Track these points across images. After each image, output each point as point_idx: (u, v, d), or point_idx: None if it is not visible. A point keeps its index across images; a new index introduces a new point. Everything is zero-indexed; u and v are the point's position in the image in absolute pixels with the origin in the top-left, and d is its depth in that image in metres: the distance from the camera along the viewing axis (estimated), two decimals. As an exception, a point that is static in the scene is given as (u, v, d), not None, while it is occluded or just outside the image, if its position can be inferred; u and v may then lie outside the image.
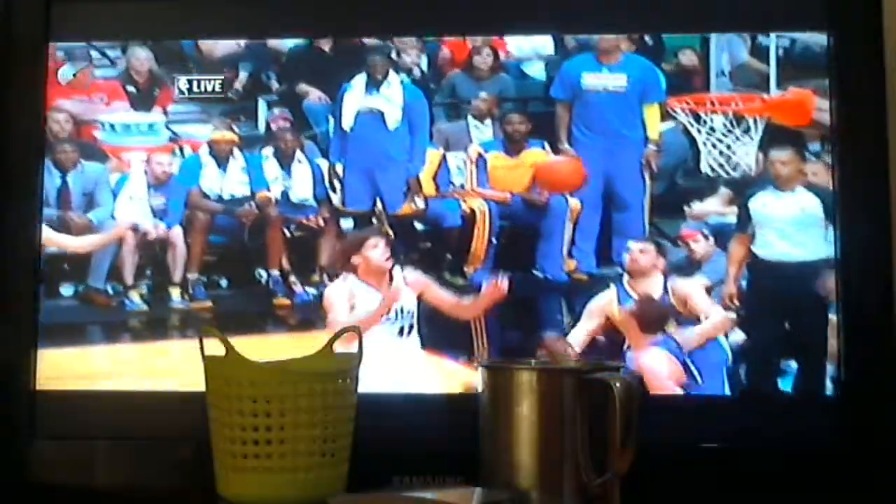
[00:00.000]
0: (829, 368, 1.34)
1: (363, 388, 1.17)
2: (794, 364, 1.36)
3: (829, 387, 1.33)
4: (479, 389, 1.16)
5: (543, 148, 1.44)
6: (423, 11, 1.44)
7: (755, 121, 1.40)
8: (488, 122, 1.46)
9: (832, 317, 1.34)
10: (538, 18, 1.42)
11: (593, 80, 1.44)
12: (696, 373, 1.37)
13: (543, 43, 1.44)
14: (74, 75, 1.47)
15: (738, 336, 1.37)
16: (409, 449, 1.31)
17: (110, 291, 1.45)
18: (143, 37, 1.47)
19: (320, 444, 1.13)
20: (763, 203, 1.39)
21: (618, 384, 1.08)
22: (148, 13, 1.46)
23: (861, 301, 1.33)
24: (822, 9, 1.38)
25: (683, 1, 1.42)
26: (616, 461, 1.08)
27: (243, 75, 1.46)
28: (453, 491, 1.15)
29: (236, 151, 1.48)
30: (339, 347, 1.17)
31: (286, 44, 1.46)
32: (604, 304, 1.39)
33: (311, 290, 1.44)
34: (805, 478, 1.30)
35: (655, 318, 1.39)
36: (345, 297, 1.43)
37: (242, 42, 1.46)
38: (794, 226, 1.38)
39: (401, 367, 1.40)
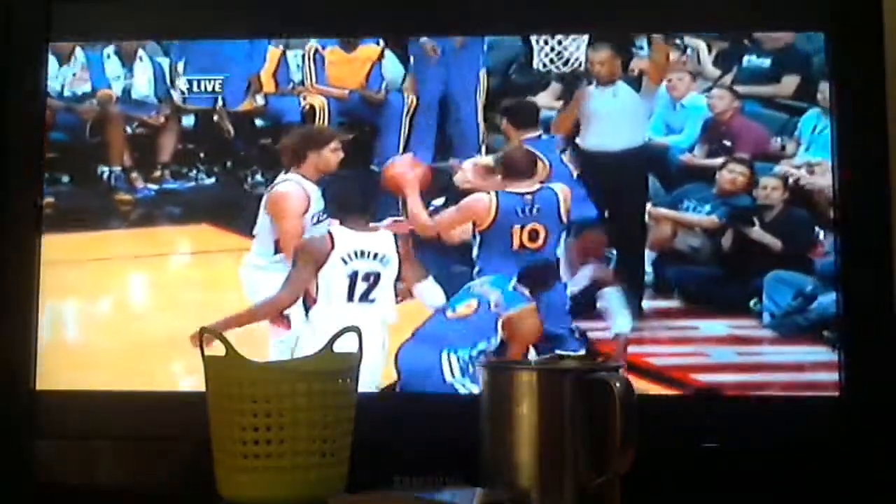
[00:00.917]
0: (829, 358, 1.34)
1: (363, 387, 1.17)
2: (613, 251, 1.40)
3: (829, 386, 1.34)
4: (479, 389, 1.16)
5: (378, 44, 1.45)
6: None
7: None
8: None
9: (650, 206, 1.40)
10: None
11: None
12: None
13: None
14: None
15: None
16: (409, 449, 1.31)
17: None
18: (144, 37, 1.47)
19: (320, 444, 1.13)
20: (590, 97, 1.43)
21: (618, 384, 1.08)
22: (148, 13, 1.46)
23: (861, 297, 1.34)
24: (822, 9, 1.38)
25: (681, -3, 1.43)
26: (616, 461, 1.08)
27: None
28: (453, 491, 1.15)
29: (78, 49, 1.47)
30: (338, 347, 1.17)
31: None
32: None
33: (153, 186, 1.45)
34: (805, 477, 1.30)
35: (522, 166, 1.43)
36: (301, 195, 1.44)
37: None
38: (615, 119, 1.43)
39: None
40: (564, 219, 1.41)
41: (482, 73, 1.43)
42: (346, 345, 1.18)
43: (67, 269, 1.42)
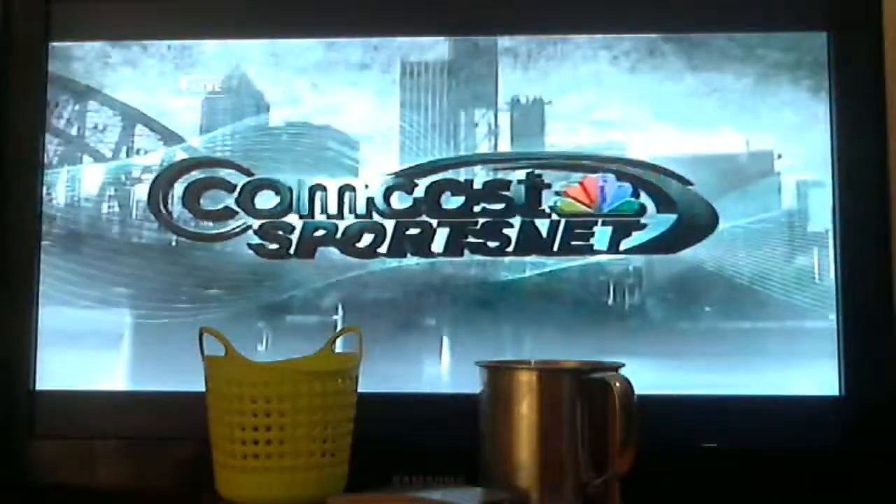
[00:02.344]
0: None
1: (363, 387, 1.17)
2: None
3: (830, 386, 1.34)
4: (479, 389, 1.16)
5: None
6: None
7: None
8: None
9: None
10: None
11: None
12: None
13: None
14: None
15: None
16: (409, 449, 1.31)
17: None
18: (144, 37, 1.46)
19: (320, 444, 1.13)
20: None
21: (618, 384, 1.08)
22: (149, 13, 1.46)
23: (861, 299, 1.34)
24: (822, 9, 1.38)
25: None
26: (616, 461, 1.08)
27: None
28: (453, 491, 1.15)
29: None
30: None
31: None
32: None
33: None
34: (806, 478, 1.30)
35: None
36: None
37: None
38: None
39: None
40: None
41: None
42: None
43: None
